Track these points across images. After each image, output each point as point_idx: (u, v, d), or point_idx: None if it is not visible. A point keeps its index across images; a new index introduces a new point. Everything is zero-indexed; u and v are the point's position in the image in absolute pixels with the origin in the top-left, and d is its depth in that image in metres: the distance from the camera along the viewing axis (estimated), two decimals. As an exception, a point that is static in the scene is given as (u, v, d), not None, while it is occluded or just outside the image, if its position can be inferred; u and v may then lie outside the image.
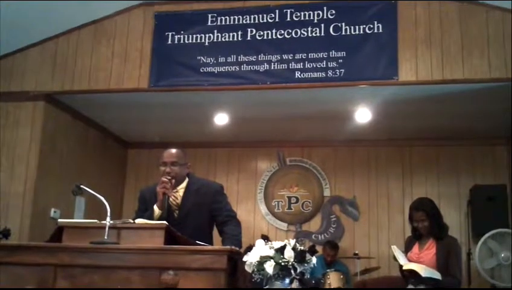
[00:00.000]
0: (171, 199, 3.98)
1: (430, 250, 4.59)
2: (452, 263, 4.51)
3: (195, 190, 4.07)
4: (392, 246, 4.79)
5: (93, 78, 6.51)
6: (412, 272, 4.47)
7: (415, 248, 4.70)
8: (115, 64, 6.49)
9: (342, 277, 6.52)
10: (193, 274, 3.15)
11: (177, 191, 4.05)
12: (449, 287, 4.48)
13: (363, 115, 7.04)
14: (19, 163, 6.41)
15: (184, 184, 4.10)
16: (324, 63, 6.02)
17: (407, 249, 4.78)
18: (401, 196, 7.92)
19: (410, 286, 4.55)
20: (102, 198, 3.51)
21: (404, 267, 4.55)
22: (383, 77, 5.91)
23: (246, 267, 3.25)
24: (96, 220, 3.53)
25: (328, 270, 6.65)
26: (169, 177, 3.93)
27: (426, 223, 4.63)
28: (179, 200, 4.04)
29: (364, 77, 5.97)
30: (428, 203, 4.77)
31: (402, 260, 4.61)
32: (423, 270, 4.38)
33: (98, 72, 6.51)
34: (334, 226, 8.10)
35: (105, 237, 3.29)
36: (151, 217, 3.84)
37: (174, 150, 4.10)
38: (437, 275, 4.38)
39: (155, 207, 3.93)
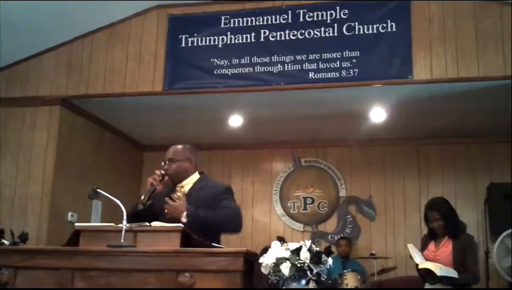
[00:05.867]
0: (175, 195, 4.00)
1: (446, 248, 4.58)
2: (469, 260, 4.50)
3: (201, 188, 4.03)
4: (408, 245, 4.77)
5: (108, 81, 6.55)
6: (428, 271, 4.45)
7: (431, 246, 4.68)
8: (129, 68, 6.53)
9: (359, 277, 6.51)
10: (209, 276, 3.15)
11: (182, 187, 4.06)
12: (466, 284, 4.46)
13: (378, 114, 7.01)
14: (36, 167, 6.48)
15: (190, 180, 4.08)
16: (338, 63, 6.01)
17: (423, 248, 4.77)
18: (418, 195, 7.87)
19: (427, 285, 4.53)
20: (118, 201, 3.52)
21: (420, 266, 4.54)
22: (398, 76, 5.90)
23: (262, 269, 3.25)
24: (112, 224, 3.54)
25: (344, 271, 6.64)
26: (162, 172, 3.99)
27: (441, 222, 4.62)
28: (182, 196, 4.01)
29: (378, 76, 5.96)
30: (442, 202, 4.76)
31: (418, 258, 4.59)
32: (439, 269, 4.36)
33: (112, 76, 6.55)
34: (350, 226, 8.08)
35: (122, 240, 3.30)
36: (136, 207, 3.91)
37: (172, 147, 4.15)
38: (453, 273, 4.36)
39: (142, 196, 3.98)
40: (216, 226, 3.86)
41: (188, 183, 4.08)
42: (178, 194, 4.05)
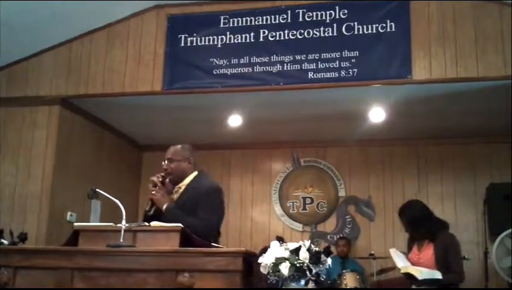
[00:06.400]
0: (172, 196, 4.04)
1: (428, 250, 4.57)
2: (451, 260, 4.49)
3: (193, 187, 4.04)
4: (390, 249, 4.80)
5: (107, 81, 6.55)
6: (410, 276, 4.45)
7: (415, 249, 4.69)
8: (128, 68, 6.52)
9: (358, 277, 6.51)
10: (209, 276, 3.16)
11: (180, 188, 4.08)
12: (451, 284, 4.45)
13: (377, 114, 7.01)
14: (36, 166, 6.47)
15: (187, 181, 4.09)
16: (337, 63, 6.01)
17: (409, 249, 4.77)
18: (417, 195, 7.86)
19: (413, 286, 4.53)
20: (117, 201, 3.53)
21: (401, 271, 4.54)
22: (397, 76, 5.90)
23: (261, 269, 3.26)
24: (112, 223, 3.55)
25: (344, 271, 6.64)
26: (159, 178, 4.03)
27: (409, 229, 4.67)
28: (177, 197, 4.05)
29: (377, 76, 5.96)
30: (407, 210, 4.79)
31: (400, 263, 4.58)
32: (420, 273, 4.36)
33: (112, 76, 6.55)
34: (349, 226, 8.08)
35: (121, 240, 3.31)
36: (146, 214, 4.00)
37: (172, 147, 4.18)
38: (437, 275, 4.36)
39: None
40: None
41: (184, 184, 4.09)
42: (175, 195, 4.06)
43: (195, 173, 4.13)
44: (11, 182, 6.47)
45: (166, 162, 4.10)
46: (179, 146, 4.18)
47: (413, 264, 4.59)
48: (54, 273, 3.31)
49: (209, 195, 3.96)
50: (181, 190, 4.07)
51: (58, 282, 3.28)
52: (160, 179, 4.03)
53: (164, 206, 3.88)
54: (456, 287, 4.56)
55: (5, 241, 3.95)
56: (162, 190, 3.98)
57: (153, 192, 3.96)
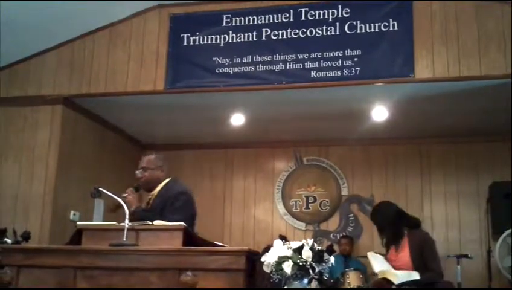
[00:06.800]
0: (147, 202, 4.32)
1: (404, 252, 4.56)
2: (428, 258, 4.48)
3: (164, 192, 4.28)
4: (368, 253, 4.81)
5: (110, 80, 6.55)
6: (387, 280, 4.44)
7: (392, 250, 4.68)
8: (131, 67, 6.52)
9: (361, 276, 6.50)
10: (212, 275, 3.17)
11: (152, 195, 4.33)
12: (430, 283, 4.42)
13: (379, 113, 7.01)
14: (39, 165, 6.48)
15: (159, 187, 4.33)
16: (339, 61, 6.01)
17: (387, 250, 4.76)
18: (420, 194, 7.87)
19: (393, 287, 4.52)
20: (120, 200, 3.54)
21: (378, 276, 4.53)
22: (399, 75, 5.89)
23: (264, 268, 3.26)
24: (115, 222, 3.55)
25: (347, 269, 6.63)
26: (132, 190, 4.33)
27: (381, 233, 4.67)
28: (150, 203, 4.30)
29: (380, 75, 5.95)
30: (374, 214, 4.80)
31: (377, 267, 4.56)
32: (397, 278, 4.34)
33: (114, 75, 6.55)
34: (352, 225, 8.08)
35: (124, 239, 3.31)
36: None
37: (146, 156, 4.53)
38: (414, 276, 4.34)
39: None
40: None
41: (156, 191, 4.33)
42: (150, 201, 4.30)
43: (167, 180, 4.37)
44: (13, 182, 6.47)
45: (140, 170, 4.39)
46: (153, 156, 4.52)
47: (392, 265, 4.56)
48: (57, 272, 3.32)
49: (176, 198, 4.18)
50: (153, 197, 4.30)
51: (61, 281, 3.29)
52: (135, 190, 4.33)
53: (132, 208, 4.07)
54: (436, 285, 4.51)
55: (9, 241, 3.97)
56: (134, 194, 4.27)
57: (125, 194, 4.20)
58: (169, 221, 3.81)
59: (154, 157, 4.48)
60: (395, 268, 4.52)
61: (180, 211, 4.04)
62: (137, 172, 4.44)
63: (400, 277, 4.34)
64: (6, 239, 3.96)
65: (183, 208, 4.12)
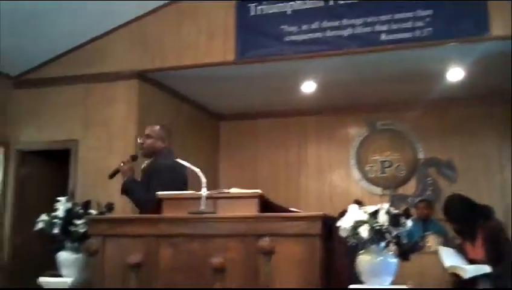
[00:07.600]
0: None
1: (478, 244, 4.44)
2: (500, 250, 4.33)
3: (147, 167, 4.49)
4: (439, 247, 4.70)
5: (180, 54, 6.66)
6: (457, 275, 4.35)
7: (468, 247, 4.54)
8: (201, 40, 6.60)
9: (440, 239, 6.41)
10: (289, 240, 3.21)
11: (146, 164, 4.55)
12: (502, 275, 4.28)
13: (454, 73, 6.82)
14: (117, 140, 6.70)
15: (153, 159, 4.51)
16: (410, 23, 5.87)
17: (463, 241, 4.65)
18: (499, 156, 7.63)
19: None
20: (198, 170, 3.61)
21: (448, 271, 4.43)
22: (474, 33, 5.69)
23: (341, 232, 3.28)
24: (193, 191, 3.64)
25: (426, 233, 6.56)
26: (129, 158, 4.56)
27: (455, 227, 4.55)
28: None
29: (453, 34, 5.77)
30: (446, 210, 4.62)
31: (447, 262, 4.45)
32: (465, 272, 4.24)
33: (184, 49, 6.66)
34: (430, 188, 7.95)
35: (202, 207, 3.40)
36: None
37: (151, 126, 4.67)
38: (485, 269, 4.22)
39: None
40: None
41: (147, 162, 4.53)
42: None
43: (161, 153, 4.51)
44: (93, 157, 6.73)
45: (144, 137, 4.57)
46: (158, 126, 4.66)
47: (467, 258, 4.46)
48: (141, 240, 3.44)
49: (155, 173, 4.35)
50: (144, 168, 4.53)
51: (145, 248, 3.41)
52: (131, 160, 4.54)
53: (125, 179, 4.44)
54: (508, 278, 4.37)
55: (94, 212, 4.13)
56: (129, 164, 4.48)
57: (122, 164, 4.48)
58: (148, 197, 4.00)
59: (158, 128, 4.64)
60: (470, 260, 4.43)
61: (159, 185, 4.05)
62: (139, 139, 4.68)
63: (469, 271, 4.26)
64: (91, 210, 4.13)
65: (159, 186, 4.03)
